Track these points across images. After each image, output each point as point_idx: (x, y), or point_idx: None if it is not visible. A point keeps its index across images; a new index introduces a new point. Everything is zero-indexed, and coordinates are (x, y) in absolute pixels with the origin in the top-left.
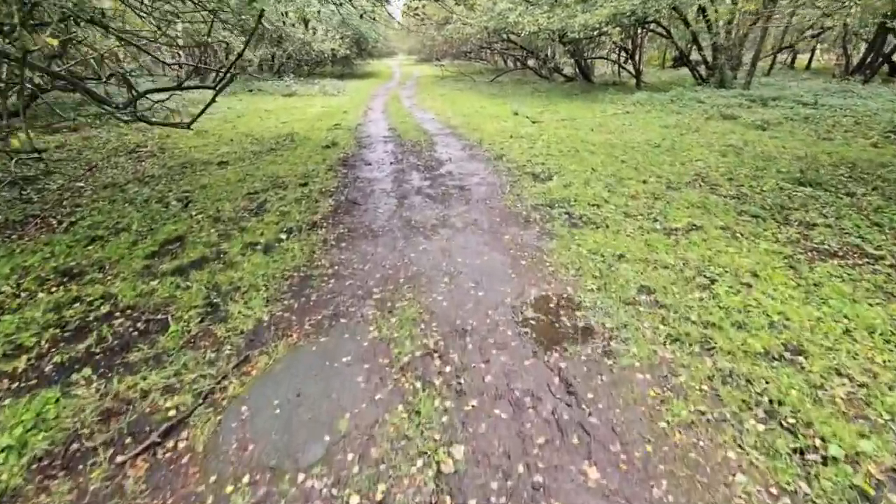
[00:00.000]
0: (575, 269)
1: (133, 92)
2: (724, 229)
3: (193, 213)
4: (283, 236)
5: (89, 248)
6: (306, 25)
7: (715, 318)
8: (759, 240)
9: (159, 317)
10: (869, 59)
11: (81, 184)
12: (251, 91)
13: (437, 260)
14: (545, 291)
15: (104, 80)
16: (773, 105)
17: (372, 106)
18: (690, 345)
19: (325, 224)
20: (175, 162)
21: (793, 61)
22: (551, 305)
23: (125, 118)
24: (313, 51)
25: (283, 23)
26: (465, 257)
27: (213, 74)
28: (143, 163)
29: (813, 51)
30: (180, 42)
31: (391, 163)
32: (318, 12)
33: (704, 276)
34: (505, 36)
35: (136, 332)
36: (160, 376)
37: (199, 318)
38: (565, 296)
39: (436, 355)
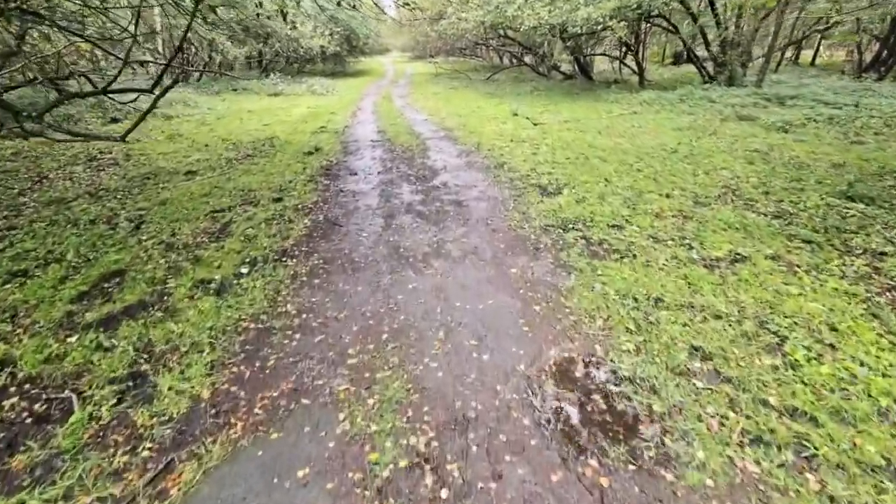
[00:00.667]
0: (603, 318)
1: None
2: (775, 259)
3: (144, 238)
4: (245, 270)
5: (6, 286)
6: (284, 18)
7: (802, 401)
8: (821, 274)
9: (64, 394)
10: (883, 56)
11: (25, 199)
12: (235, 90)
13: (429, 305)
14: (568, 352)
15: (64, 78)
16: (791, 104)
17: (362, 106)
18: (779, 449)
19: (296, 252)
20: (138, 172)
21: (797, 57)
22: (577, 375)
23: (32, 129)
24: (301, 48)
25: (258, 15)
26: (464, 300)
27: (197, 74)
28: (103, 172)
29: (818, 46)
30: (158, 39)
31: (379, 172)
32: (298, 3)
33: (770, 331)
34: (502, 31)
35: (29, 420)
36: (40, 501)
37: (116, 398)
38: (594, 359)
39: (427, 466)
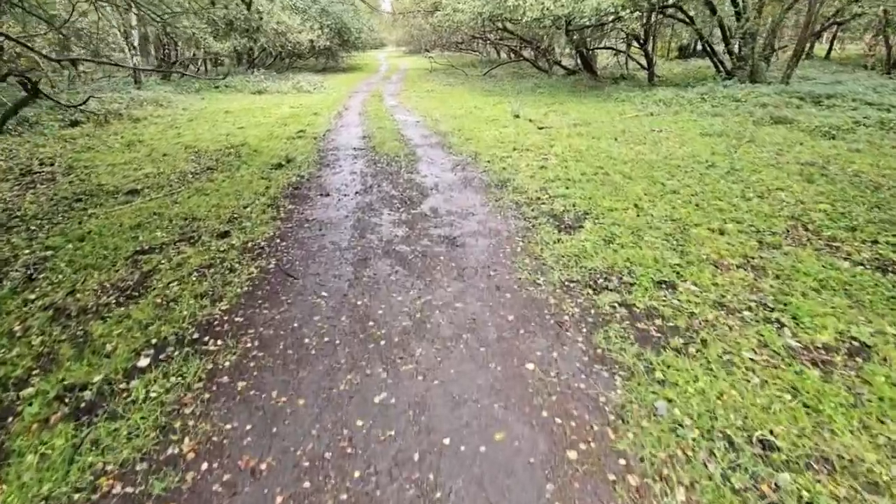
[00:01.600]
0: (685, 485)
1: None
2: None
3: (32, 297)
4: (143, 362)
5: None
6: (248, 7)
7: None
8: None
9: None
10: None
11: None
12: (218, 88)
13: (404, 443)
14: None
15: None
16: (830, 105)
17: (349, 105)
18: None
19: (226, 327)
20: (72, 191)
21: (810, 50)
22: None
23: None
24: (289, 42)
25: (249, 6)
26: (457, 434)
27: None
28: (31, 191)
29: (832, 40)
30: (134, 33)
31: (357, 192)
32: None
33: None
34: (501, 24)
35: None
36: None
37: None
38: None
39: None
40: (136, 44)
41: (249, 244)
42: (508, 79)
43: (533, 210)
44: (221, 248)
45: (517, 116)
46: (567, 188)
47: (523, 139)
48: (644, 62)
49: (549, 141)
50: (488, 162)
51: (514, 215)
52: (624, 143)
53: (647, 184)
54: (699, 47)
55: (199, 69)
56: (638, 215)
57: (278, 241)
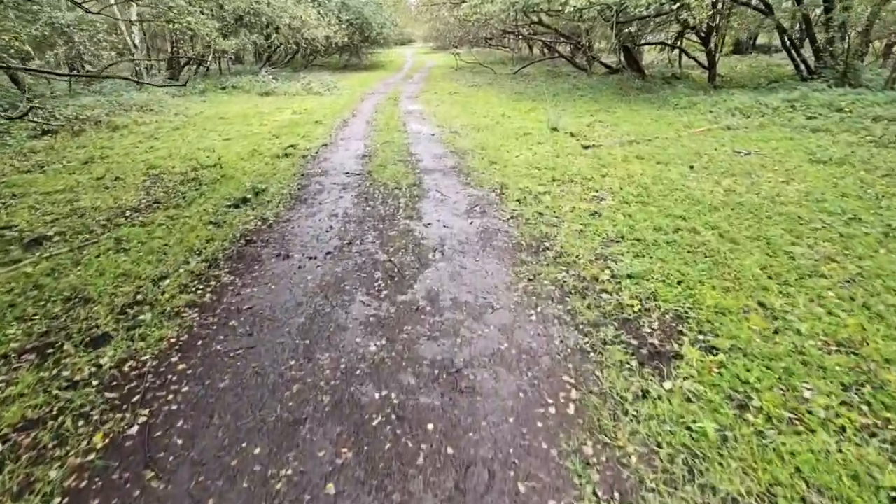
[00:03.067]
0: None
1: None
2: None
3: None
4: None
5: None
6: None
7: None
8: None
9: None
10: None
11: None
12: (224, 88)
13: None
14: None
15: None
16: None
17: (358, 111)
18: None
19: None
20: None
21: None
22: None
23: None
24: (304, 39)
25: None
26: None
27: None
28: None
29: None
30: (134, 29)
31: (328, 253)
32: None
33: None
34: (536, 16)
35: None
36: None
37: None
38: None
39: None
40: (136, 41)
41: (125, 368)
42: (542, 78)
43: (589, 305)
44: (74, 378)
45: (555, 129)
46: (637, 258)
47: (565, 164)
48: (700, 59)
49: (600, 167)
50: (518, 202)
51: (560, 316)
52: (704, 174)
53: (763, 253)
54: (758, 41)
55: (206, 69)
56: (773, 331)
57: (175, 360)
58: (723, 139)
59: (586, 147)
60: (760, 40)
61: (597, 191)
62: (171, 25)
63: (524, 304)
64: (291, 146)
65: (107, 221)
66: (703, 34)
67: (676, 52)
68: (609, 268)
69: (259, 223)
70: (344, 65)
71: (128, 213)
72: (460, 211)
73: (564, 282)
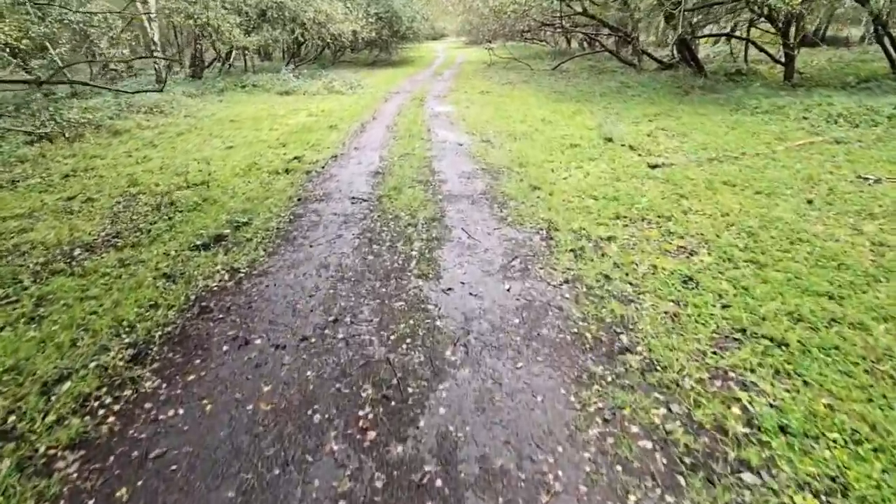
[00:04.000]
0: None
1: None
2: None
3: None
4: None
5: None
6: None
7: None
8: None
9: None
10: None
11: None
12: (244, 87)
13: None
14: None
15: None
16: None
17: (380, 113)
18: None
19: None
20: None
21: None
22: None
23: None
24: (329, 34)
25: None
26: None
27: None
28: None
29: None
30: (154, 26)
31: (303, 339)
32: None
33: None
34: (580, 5)
35: None
36: None
37: None
38: None
39: None
40: (155, 38)
41: None
42: (584, 75)
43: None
44: None
45: (609, 140)
46: (781, 377)
47: (629, 191)
48: (767, 52)
49: (678, 198)
50: (573, 253)
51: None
52: (831, 213)
53: None
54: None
55: (228, 66)
56: None
57: None
58: (834, 157)
59: (654, 166)
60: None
61: (682, 237)
62: (191, 21)
63: (603, 487)
64: (296, 158)
65: (42, 267)
66: (780, 23)
67: (737, 44)
68: (739, 402)
69: (226, 277)
70: (373, 60)
71: (76, 253)
72: (493, 266)
73: (668, 433)
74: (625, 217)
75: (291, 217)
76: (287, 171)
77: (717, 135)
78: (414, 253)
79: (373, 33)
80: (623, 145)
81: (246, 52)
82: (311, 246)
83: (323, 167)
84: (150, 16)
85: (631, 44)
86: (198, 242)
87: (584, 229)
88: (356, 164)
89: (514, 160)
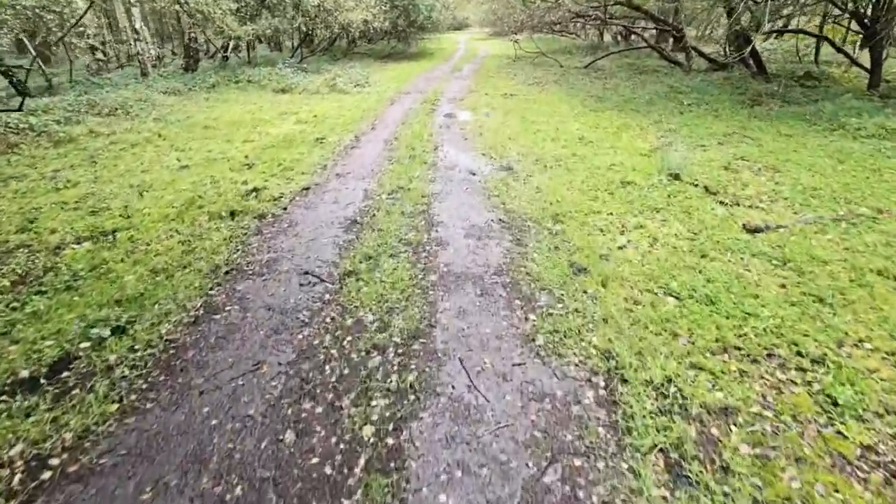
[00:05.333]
0: None
1: None
2: None
3: None
4: None
5: None
6: None
7: None
8: None
9: None
10: None
11: None
12: (237, 82)
13: None
14: None
15: None
16: None
17: (381, 120)
18: None
19: None
20: None
21: None
22: None
23: None
24: (337, 23)
25: None
26: None
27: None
28: None
29: None
30: (135, 12)
31: None
32: None
33: None
34: None
35: None
36: None
37: None
38: None
39: None
40: (137, 25)
41: None
42: (622, 74)
43: None
44: None
45: (676, 177)
46: None
47: (728, 283)
48: (847, 53)
49: (812, 303)
50: (666, 457)
51: None
52: None
53: None
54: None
55: (224, 58)
56: None
57: None
58: None
59: (754, 231)
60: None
61: (856, 411)
62: (177, 7)
63: None
64: (255, 191)
65: None
66: (866, 19)
67: (799, 42)
68: None
69: (15, 480)
70: (389, 52)
71: None
72: (512, 481)
73: None
74: (737, 350)
75: (199, 314)
76: (234, 214)
77: (822, 172)
78: (367, 436)
79: (386, 23)
80: (695, 184)
81: (239, 41)
82: (200, 394)
83: (285, 208)
84: (129, 2)
85: (678, 39)
86: (18, 376)
87: (671, 381)
88: (330, 204)
89: (545, 207)
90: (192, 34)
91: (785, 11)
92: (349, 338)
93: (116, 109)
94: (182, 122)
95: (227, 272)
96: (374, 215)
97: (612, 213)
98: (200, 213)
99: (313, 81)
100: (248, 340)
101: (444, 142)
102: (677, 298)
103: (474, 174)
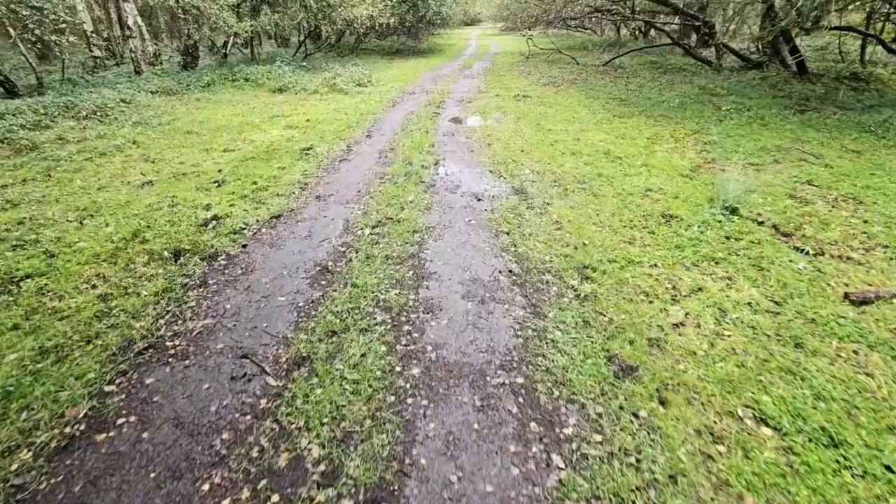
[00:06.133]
0: None
1: None
2: None
3: None
4: None
5: None
6: None
7: None
8: None
9: None
10: None
11: None
12: (235, 81)
13: None
14: None
15: None
16: None
17: (379, 126)
18: None
19: None
20: None
21: None
22: None
23: None
24: (340, 18)
25: None
26: None
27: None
28: None
29: None
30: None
31: None
32: None
33: None
34: None
35: None
36: None
37: None
38: None
39: None
40: (130, 22)
41: None
42: (645, 73)
43: None
44: None
45: (733, 211)
46: None
47: (841, 393)
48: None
49: None
50: None
51: None
52: None
53: None
54: None
55: (223, 55)
56: None
57: None
58: None
59: (861, 302)
60: None
61: None
62: (171, 2)
63: None
64: (215, 219)
65: None
66: None
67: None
68: None
69: None
70: (398, 48)
71: None
72: None
73: None
74: None
75: (77, 432)
76: (179, 254)
77: None
78: None
79: (393, 19)
80: (759, 221)
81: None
82: None
83: (245, 245)
84: None
85: (709, 35)
86: None
87: None
88: (301, 240)
89: (568, 252)
90: (187, 30)
91: (833, 7)
92: (275, 497)
93: (95, 112)
94: (163, 127)
95: (141, 351)
96: (350, 260)
97: (656, 265)
98: (140, 252)
99: (312, 81)
100: (128, 492)
101: (447, 154)
102: (777, 431)
103: (479, 199)
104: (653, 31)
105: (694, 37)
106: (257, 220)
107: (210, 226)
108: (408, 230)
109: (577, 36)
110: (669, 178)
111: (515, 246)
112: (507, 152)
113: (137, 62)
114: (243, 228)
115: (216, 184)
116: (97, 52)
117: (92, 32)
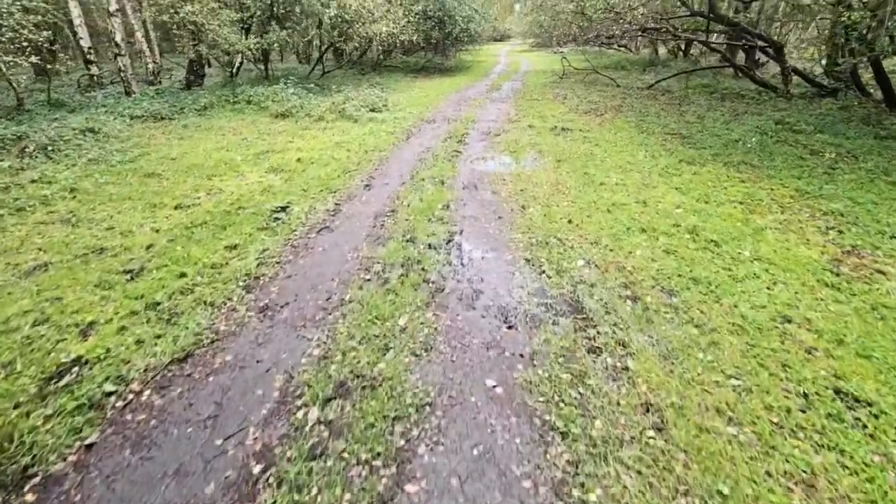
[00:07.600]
0: None
1: None
2: None
3: None
4: None
5: None
6: None
7: None
8: None
9: None
10: None
11: None
12: (236, 104)
13: None
14: None
15: None
16: None
17: (385, 168)
18: None
19: None
20: None
21: None
22: None
23: None
24: (358, 35)
25: None
26: None
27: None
28: None
29: None
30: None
31: None
32: None
33: None
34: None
35: None
36: None
37: None
38: None
39: None
40: (118, 39)
41: None
42: (700, 100)
43: None
44: None
45: None
46: None
47: None
48: None
49: None
50: None
51: None
52: None
53: None
54: None
55: (230, 73)
56: None
57: None
58: None
59: None
60: None
61: None
62: (165, 18)
63: None
64: (76, 364)
65: None
66: None
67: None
68: None
69: None
70: (423, 65)
71: None
72: None
73: None
74: None
75: None
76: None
77: None
78: None
79: (415, 36)
80: None
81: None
82: None
83: (91, 446)
84: (108, 11)
85: (778, 54)
86: None
87: None
88: (193, 438)
89: (679, 486)
90: (185, 47)
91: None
92: None
93: (47, 146)
94: (122, 166)
95: None
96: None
97: None
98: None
99: (319, 105)
100: None
101: (466, 224)
102: None
103: (511, 326)
104: (692, 50)
105: (742, 57)
106: (145, 369)
107: (63, 381)
108: (383, 413)
109: (611, 54)
110: (805, 286)
111: (577, 467)
112: (549, 223)
113: (127, 81)
114: (110, 393)
115: (128, 276)
116: (94, 70)
117: (89, 49)
